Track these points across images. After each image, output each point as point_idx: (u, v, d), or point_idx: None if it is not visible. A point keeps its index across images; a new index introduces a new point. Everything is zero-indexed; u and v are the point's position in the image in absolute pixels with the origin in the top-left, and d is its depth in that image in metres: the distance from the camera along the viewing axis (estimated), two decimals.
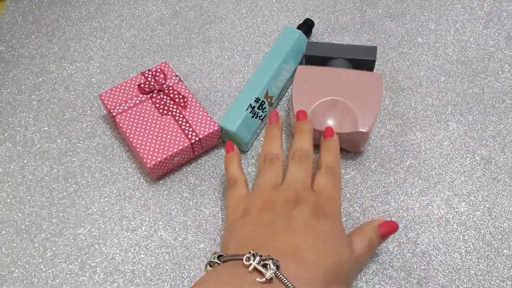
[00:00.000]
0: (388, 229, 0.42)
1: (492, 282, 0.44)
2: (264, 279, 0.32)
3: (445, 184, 0.49)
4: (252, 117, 0.51)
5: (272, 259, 0.33)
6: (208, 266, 0.37)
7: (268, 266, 0.33)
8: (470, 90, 0.55)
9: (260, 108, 0.52)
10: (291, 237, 0.36)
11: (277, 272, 0.33)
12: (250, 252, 0.34)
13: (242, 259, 0.34)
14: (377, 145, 0.52)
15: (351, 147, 0.51)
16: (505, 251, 0.45)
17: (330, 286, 0.35)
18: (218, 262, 0.36)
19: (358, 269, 0.43)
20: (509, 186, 0.49)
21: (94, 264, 0.46)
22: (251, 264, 0.33)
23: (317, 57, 0.53)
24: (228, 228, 0.41)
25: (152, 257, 0.46)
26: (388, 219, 0.45)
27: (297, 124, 0.46)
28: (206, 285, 0.33)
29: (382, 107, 0.54)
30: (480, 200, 0.48)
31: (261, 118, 0.52)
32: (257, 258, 0.33)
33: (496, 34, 0.59)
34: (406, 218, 0.47)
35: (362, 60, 0.52)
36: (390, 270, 0.44)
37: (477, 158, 0.51)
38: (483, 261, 0.45)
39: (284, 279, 0.33)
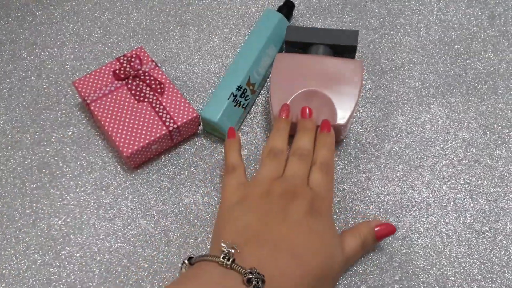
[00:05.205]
0: (384, 231, 0.42)
1: (473, 265, 0.43)
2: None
3: (426, 168, 0.49)
4: (235, 106, 0.50)
5: (258, 273, 0.32)
6: (184, 264, 0.36)
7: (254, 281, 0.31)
8: (452, 72, 0.54)
9: (243, 96, 0.50)
10: (286, 231, 0.36)
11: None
12: (226, 253, 0.33)
13: (218, 261, 0.33)
14: (358, 131, 0.51)
15: None
16: (486, 233, 0.45)
17: (319, 284, 0.35)
18: (190, 263, 0.36)
19: (346, 268, 0.43)
20: (490, 169, 0.48)
21: (70, 254, 0.45)
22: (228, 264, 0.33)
23: (298, 43, 0.51)
24: (223, 214, 0.40)
25: (130, 246, 0.45)
26: (386, 222, 0.43)
27: (301, 122, 0.45)
28: (187, 285, 0.33)
29: (364, 91, 0.54)
30: (461, 183, 0.48)
31: (243, 106, 0.51)
32: (246, 272, 0.32)
33: (480, 13, 0.58)
34: (387, 202, 0.47)
35: (343, 46, 0.50)
36: (371, 254, 0.44)
37: (459, 140, 0.50)
38: (464, 243, 0.45)
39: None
